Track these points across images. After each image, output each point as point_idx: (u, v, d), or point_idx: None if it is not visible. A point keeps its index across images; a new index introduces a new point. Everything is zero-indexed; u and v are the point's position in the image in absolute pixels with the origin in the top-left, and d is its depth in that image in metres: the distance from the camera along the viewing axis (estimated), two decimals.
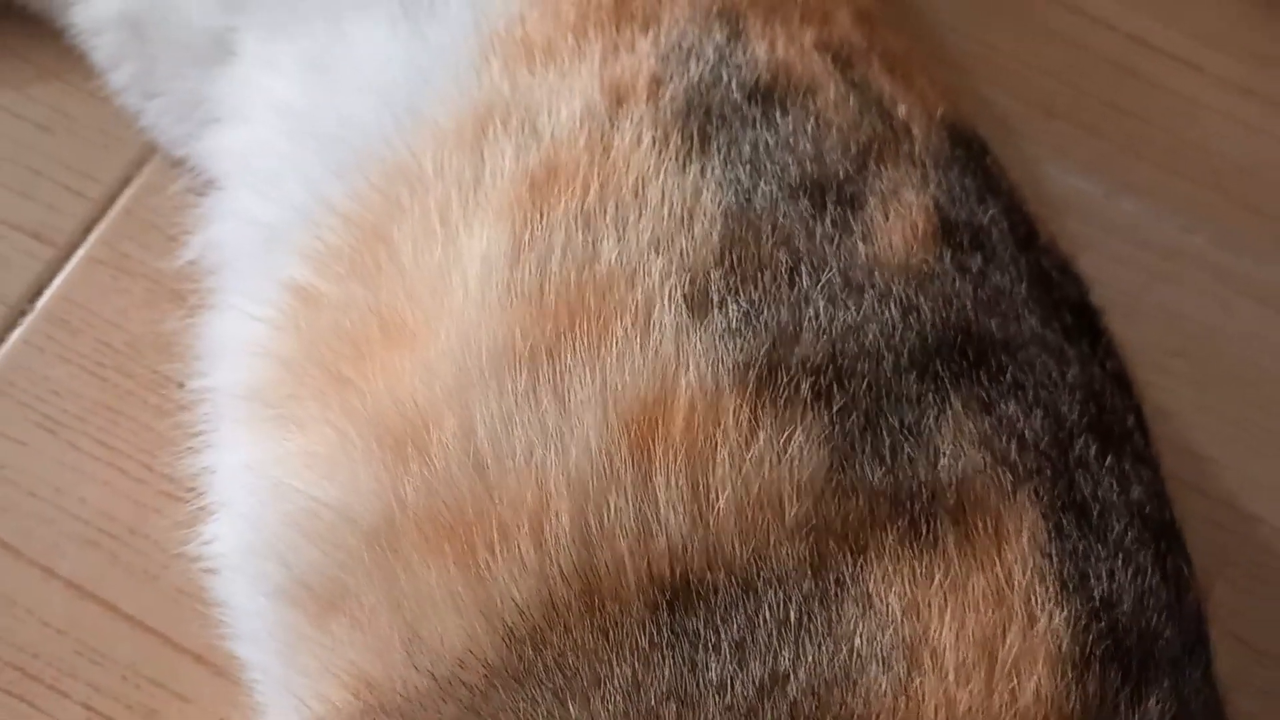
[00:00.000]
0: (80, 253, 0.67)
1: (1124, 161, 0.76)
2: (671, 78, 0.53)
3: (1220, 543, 0.66)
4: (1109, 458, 0.48)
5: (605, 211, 0.49)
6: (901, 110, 0.55)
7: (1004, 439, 0.46)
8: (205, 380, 0.58)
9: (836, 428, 0.45)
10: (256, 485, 0.51)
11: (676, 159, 0.50)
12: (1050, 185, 0.75)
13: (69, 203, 0.68)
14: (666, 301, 0.47)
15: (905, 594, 0.43)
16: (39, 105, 0.70)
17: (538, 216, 0.49)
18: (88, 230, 0.68)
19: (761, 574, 0.43)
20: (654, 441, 0.44)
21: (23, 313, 0.66)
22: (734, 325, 0.47)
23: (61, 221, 0.68)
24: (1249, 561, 0.66)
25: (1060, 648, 0.43)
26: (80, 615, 0.59)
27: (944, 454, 0.45)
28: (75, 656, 0.59)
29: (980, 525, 0.44)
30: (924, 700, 0.41)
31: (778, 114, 0.52)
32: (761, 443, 0.44)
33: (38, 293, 0.66)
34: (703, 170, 0.50)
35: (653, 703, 0.42)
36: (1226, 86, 0.80)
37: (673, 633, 0.42)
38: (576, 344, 0.46)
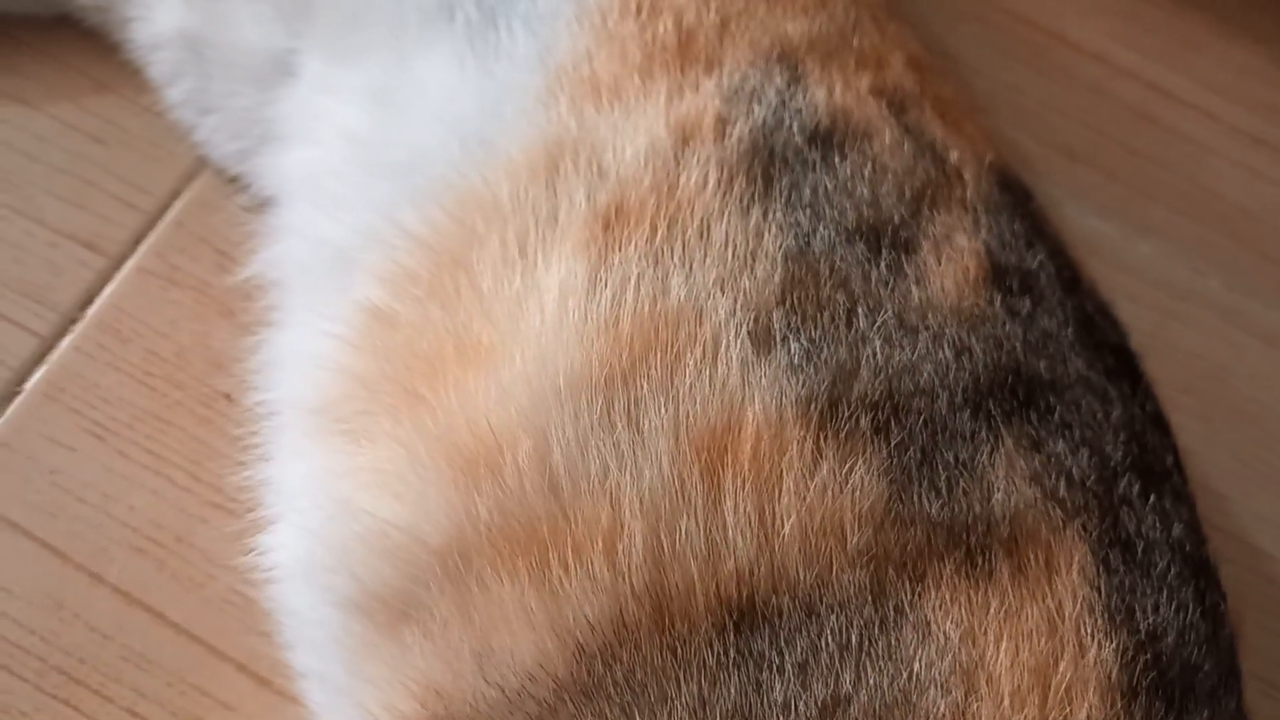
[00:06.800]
0: (131, 263, 0.67)
1: (1140, 205, 0.78)
2: (737, 119, 0.54)
3: (1234, 577, 0.65)
4: (1151, 496, 0.50)
5: (673, 251, 0.50)
6: (953, 156, 0.56)
7: (1053, 476, 0.48)
8: (268, 394, 0.58)
9: (895, 461, 0.46)
10: (322, 499, 0.52)
11: (740, 201, 0.51)
12: (1070, 226, 0.74)
13: (121, 214, 0.68)
14: (733, 338, 0.48)
15: (962, 621, 0.44)
16: (94, 117, 0.70)
17: (611, 253, 0.50)
18: (138, 241, 0.68)
19: (824, 599, 0.44)
20: (723, 468, 0.46)
21: (74, 320, 0.66)
22: (796, 362, 0.48)
23: (113, 231, 0.68)
24: (1260, 595, 0.67)
25: (1110, 677, 0.44)
26: (126, 621, 0.59)
27: (997, 489, 0.47)
28: (121, 662, 0.59)
29: (1032, 558, 0.46)
30: None
31: (836, 158, 0.54)
32: (824, 473, 0.46)
33: (89, 301, 0.66)
34: (765, 214, 0.51)
35: None
36: (1239, 135, 0.81)
37: (739, 653, 0.43)
38: (650, 373, 0.47)
